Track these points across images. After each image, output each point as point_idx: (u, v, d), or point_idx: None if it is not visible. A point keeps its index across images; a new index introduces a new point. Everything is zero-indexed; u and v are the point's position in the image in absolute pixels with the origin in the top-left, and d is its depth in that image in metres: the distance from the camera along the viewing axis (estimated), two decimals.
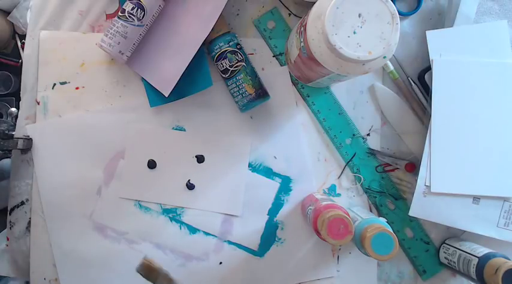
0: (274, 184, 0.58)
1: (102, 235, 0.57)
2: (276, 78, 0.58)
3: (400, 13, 0.56)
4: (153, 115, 0.58)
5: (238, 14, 0.58)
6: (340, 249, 0.59)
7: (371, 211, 0.59)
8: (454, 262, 0.54)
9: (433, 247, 0.58)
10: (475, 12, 0.56)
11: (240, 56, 0.54)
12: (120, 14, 0.52)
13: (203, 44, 0.53)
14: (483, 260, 0.49)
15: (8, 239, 0.58)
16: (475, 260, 0.50)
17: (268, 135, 0.58)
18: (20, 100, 0.57)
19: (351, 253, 0.59)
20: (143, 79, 0.56)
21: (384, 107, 0.59)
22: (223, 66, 0.54)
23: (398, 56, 0.59)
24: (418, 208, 0.55)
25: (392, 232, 0.47)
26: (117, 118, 0.57)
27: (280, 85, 0.58)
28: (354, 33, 0.40)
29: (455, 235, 0.59)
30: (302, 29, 0.45)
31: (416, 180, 0.55)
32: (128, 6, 0.52)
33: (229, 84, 0.55)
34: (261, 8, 0.58)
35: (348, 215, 0.49)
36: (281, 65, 0.58)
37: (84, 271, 0.57)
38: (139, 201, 0.58)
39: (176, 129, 0.58)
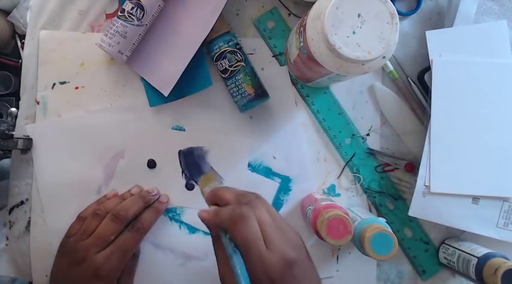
0: (274, 184, 0.58)
1: None
2: (275, 78, 0.58)
3: (399, 13, 0.56)
4: (153, 115, 0.58)
5: (238, 14, 0.58)
6: (339, 249, 0.59)
7: (370, 211, 0.59)
8: (454, 262, 0.54)
9: (432, 247, 0.58)
10: (474, 12, 0.56)
11: (239, 56, 0.54)
12: (120, 14, 0.52)
13: (203, 43, 0.53)
14: (482, 260, 0.49)
15: (7, 239, 0.58)
16: (475, 261, 0.50)
17: (268, 135, 0.58)
18: (19, 100, 0.57)
19: (350, 253, 0.59)
20: (143, 79, 0.56)
21: (383, 107, 0.59)
22: (222, 66, 0.54)
23: (398, 56, 0.59)
24: (418, 208, 0.55)
25: (391, 232, 0.47)
26: (117, 118, 0.57)
27: (279, 85, 0.58)
28: (354, 33, 0.40)
29: (455, 235, 0.59)
30: (301, 29, 0.45)
31: (415, 180, 0.55)
32: (127, 6, 0.52)
33: (228, 84, 0.55)
34: (261, 8, 0.58)
35: (348, 215, 0.49)
36: (281, 65, 0.58)
37: None
38: None
39: (176, 129, 0.58)
